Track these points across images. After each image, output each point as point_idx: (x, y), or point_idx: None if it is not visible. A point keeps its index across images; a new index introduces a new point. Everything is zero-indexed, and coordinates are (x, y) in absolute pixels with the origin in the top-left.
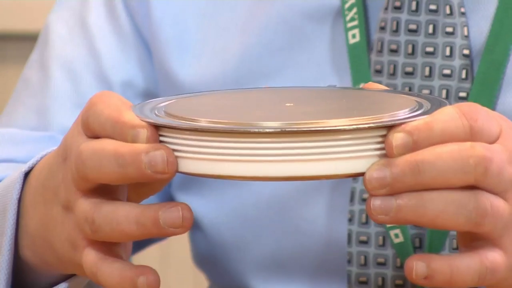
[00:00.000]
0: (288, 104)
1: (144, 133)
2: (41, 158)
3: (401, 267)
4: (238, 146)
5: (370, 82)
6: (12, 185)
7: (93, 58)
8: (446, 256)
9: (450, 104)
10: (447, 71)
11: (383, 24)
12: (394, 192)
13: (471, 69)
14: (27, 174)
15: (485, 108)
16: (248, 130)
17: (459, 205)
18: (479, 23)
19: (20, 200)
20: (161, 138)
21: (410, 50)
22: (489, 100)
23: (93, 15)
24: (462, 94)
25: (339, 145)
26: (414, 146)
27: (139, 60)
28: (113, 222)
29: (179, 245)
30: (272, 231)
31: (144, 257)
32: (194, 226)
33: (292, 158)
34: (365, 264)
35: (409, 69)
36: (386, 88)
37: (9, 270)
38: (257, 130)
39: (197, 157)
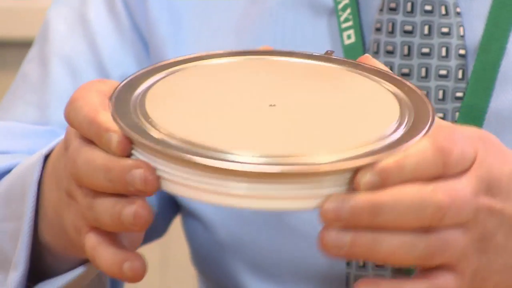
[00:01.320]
0: (271, 105)
1: (115, 137)
2: (57, 143)
3: (400, 269)
4: (204, 179)
5: (366, 55)
6: (31, 167)
7: (92, 54)
8: (395, 281)
9: (431, 101)
10: (443, 72)
11: (378, 25)
12: (349, 227)
13: (467, 69)
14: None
15: (463, 132)
16: (216, 166)
17: (411, 245)
18: (473, 23)
19: (40, 183)
20: (133, 148)
21: (406, 51)
22: (484, 99)
23: (93, 11)
24: (459, 94)
25: (306, 187)
26: (382, 185)
27: (137, 56)
28: (97, 215)
29: (179, 248)
30: (269, 233)
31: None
32: (191, 225)
33: (258, 194)
34: (364, 266)
35: (406, 71)
36: (378, 67)
37: (28, 252)
38: (225, 168)
39: (165, 178)
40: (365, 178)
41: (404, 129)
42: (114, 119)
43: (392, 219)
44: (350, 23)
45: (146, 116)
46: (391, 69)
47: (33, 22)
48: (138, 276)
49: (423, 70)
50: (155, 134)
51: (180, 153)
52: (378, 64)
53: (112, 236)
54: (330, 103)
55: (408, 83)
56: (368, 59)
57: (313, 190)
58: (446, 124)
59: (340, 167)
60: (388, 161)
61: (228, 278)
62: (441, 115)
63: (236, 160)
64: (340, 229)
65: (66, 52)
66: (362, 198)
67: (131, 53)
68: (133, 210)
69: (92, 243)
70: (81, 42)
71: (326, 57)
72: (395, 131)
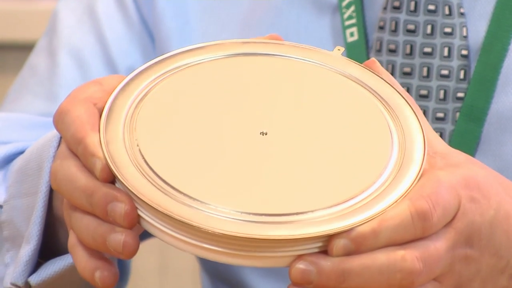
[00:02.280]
0: (263, 133)
1: (100, 164)
2: None
3: None
4: (180, 231)
5: (373, 59)
6: (48, 144)
7: (100, 46)
8: None
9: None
10: (445, 72)
11: (382, 23)
12: None
13: (469, 70)
14: None
15: (448, 180)
16: (189, 223)
17: None
18: (476, 23)
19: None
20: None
21: (408, 51)
22: (486, 100)
23: (101, 3)
24: (460, 95)
25: (278, 250)
26: (355, 251)
27: (143, 48)
28: (77, 230)
29: (179, 252)
30: None
31: (143, 265)
32: None
33: (230, 252)
34: None
35: (407, 70)
36: (382, 76)
37: (41, 226)
38: (198, 227)
39: (144, 218)
40: (339, 244)
41: (390, 180)
42: (101, 146)
43: (359, 284)
44: (353, 21)
45: (134, 143)
46: (392, 67)
47: (33, 25)
48: (107, 285)
49: (425, 69)
50: (138, 171)
51: (156, 205)
52: (382, 72)
53: None
54: (323, 135)
55: (409, 102)
56: (374, 65)
57: (286, 252)
58: (440, 149)
59: (313, 235)
60: (365, 228)
61: (230, 272)
62: (441, 115)
63: (213, 213)
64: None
65: (74, 44)
66: (331, 264)
67: (138, 46)
68: (122, 240)
69: (72, 241)
70: (89, 34)
71: (333, 57)
72: (380, 181)
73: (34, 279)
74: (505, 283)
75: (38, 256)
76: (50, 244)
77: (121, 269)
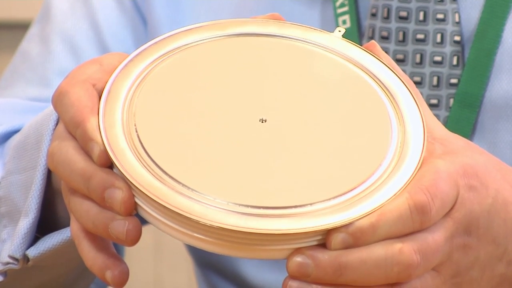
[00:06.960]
0: (262, 120)
1: (98, 149)
2: None
3: None
4: (175, 221)
5: (373, 42)
6: (47, 117)
7: (94, 31)
8: None
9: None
10: (438, 58)
11: (374, 10)
12: (312, 283)
13: (462, 56)
14: None
15: (447, 170)
16: (184, 215)
17: None
18: (469, 10)
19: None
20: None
21: (401, 37)
22: (480, 86)
23: None
24: (453, 81)
25: (274, 243)
26: (354, 245)
27: (136, 34)
28: (76, 214)
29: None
30: None
31: (138, 247)
32: None
33: (224, 244)
34: None
35: (400, 56)
36: (382, 59)
37: (40, 200)
38: (192, 218)
39: (141, 205)
40: (338, 238)
41: (389, 171)
42: (99, 130)
43: (356, 278)
44: (345, 9)
45: (133, 128)
46: None
47: (26, 5)
48: (119, 284)
49: (418, 56)
50: (136, 159)
51: (153, 195)
52: (383, 55)
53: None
54: (322, 123)
55: (408, 87)
56: (375, 48)
57: (284, 246)
58: (439, 135)
59: (312, 229)
60: (363, 222)
61: (224, 263)
62: (435, 101)
63: (211, 205)
64: (304, 281)
65: (67, 30)
66: (328, 257)
67: (131, 32)
68: (125, 229)
69: (75, 229)
70: (82, 20)
71: (333, 38)
72: (379, 173)
73: (32, 252)
74: (502, 269)
75: (36, 231)
76: (48, 219)
77: (115, 246)
